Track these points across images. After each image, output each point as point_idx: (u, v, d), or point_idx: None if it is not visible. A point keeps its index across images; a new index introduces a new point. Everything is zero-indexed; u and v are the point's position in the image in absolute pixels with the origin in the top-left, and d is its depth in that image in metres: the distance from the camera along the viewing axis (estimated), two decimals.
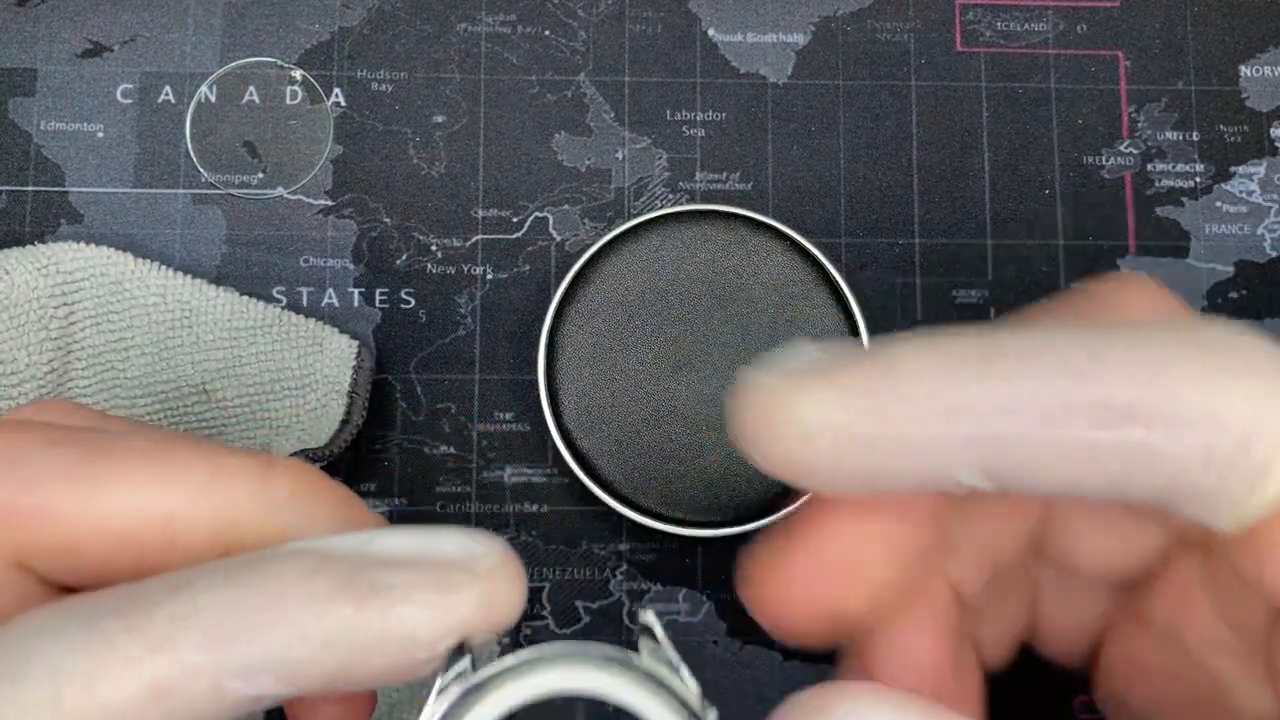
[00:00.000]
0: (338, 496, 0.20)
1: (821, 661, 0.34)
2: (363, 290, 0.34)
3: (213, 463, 0.19)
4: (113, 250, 0.32)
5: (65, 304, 0.30)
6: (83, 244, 0.32)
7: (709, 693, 0.18)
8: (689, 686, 0.17)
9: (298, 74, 0.36)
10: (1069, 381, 0.16)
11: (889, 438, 0.16)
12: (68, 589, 0.19)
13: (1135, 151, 0.36)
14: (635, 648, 0.17)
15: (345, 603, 0.16)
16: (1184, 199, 0.36)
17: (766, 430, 0.17)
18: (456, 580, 0.17)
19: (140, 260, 0.32)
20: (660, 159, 0.35)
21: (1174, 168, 0.36)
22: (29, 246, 0.31)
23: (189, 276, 0.33)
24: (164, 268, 0.33)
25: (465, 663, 0.17)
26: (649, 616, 0.17)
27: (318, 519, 0.19)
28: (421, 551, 0.17)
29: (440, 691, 0.16)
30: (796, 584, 0.19)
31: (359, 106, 0.35)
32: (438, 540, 0.17)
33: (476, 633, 0.17)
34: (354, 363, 0.32)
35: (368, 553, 0.17)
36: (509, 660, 0.17)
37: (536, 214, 0.35)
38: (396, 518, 0.34)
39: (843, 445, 0.16)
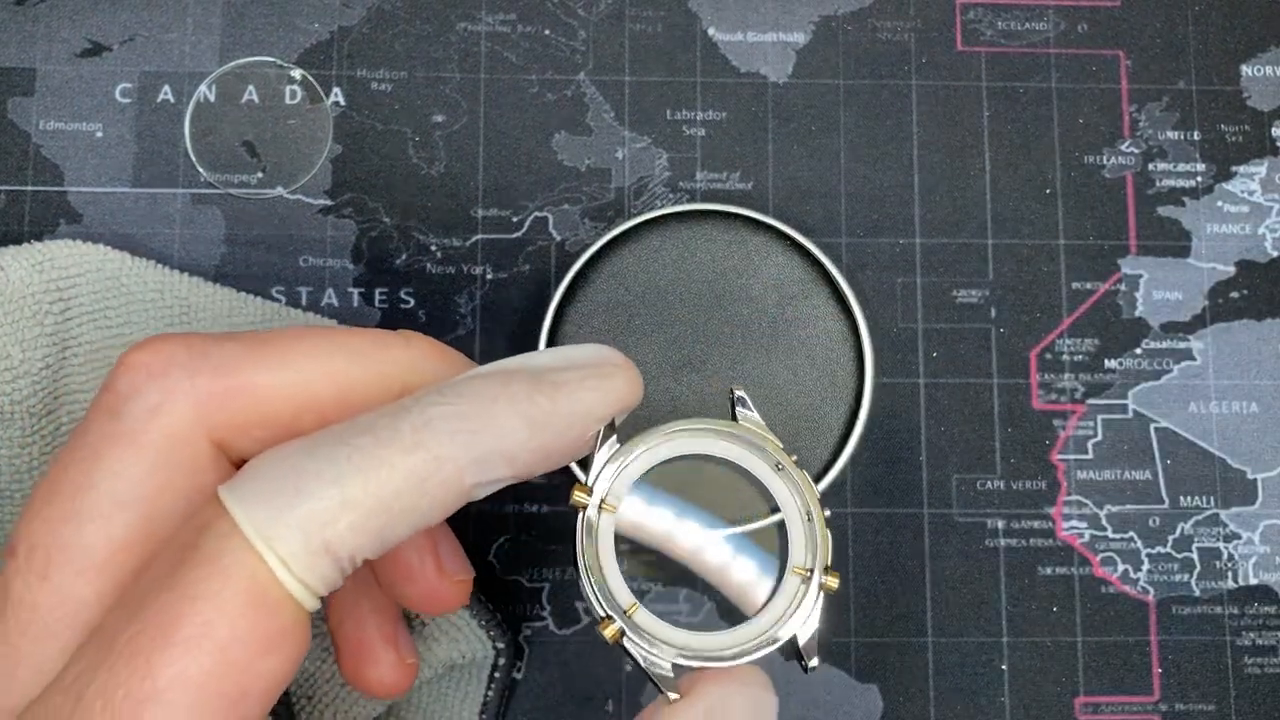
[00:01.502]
0: (451, 351, 0.24)
1: (822, 661, 0.33)
2: (362, 290, 0.34)
3: (366, 333, 0.23)
4: (109, 248, 0.32)
5: (61, 299, 0.30)
6: (79, 241, 0.32)
7: None
8: (775, 442, 0.23)
9: (297, 73, 0.35)
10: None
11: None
12: None
13: (1136, 151, 0.36)
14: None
15: (541, 396, 0.21)
16: (1185, 198, 0.36)
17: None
18: (608, 370, 0.22)
19: (137, 258, 0.32)
20: (660, 159, 0.35)
21: (1175, 167, 0.36)
22: (25, 244, 0.31)
23: (186, 274, 0.33)
24: (161, 265, 0.32)
25: (614, 439, 0.22)
26: (740, 392, 0.23)
27: (446, 367, 0.23)
28: (569, 360, 0.22)
29: (599, 462, 0.22)
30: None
31: (358, 106, 0.35)
32: (576, 352, 0.23)
33: (625, 408, 0.22)
34: None
35: (533, 366, 0.22)
36: (646, 436, 0.23)
37: (536, 214, 0.35)
38: None
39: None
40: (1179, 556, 0.34)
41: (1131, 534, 0.34)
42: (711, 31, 0.36)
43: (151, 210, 0.35)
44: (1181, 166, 0.36)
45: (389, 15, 0.36)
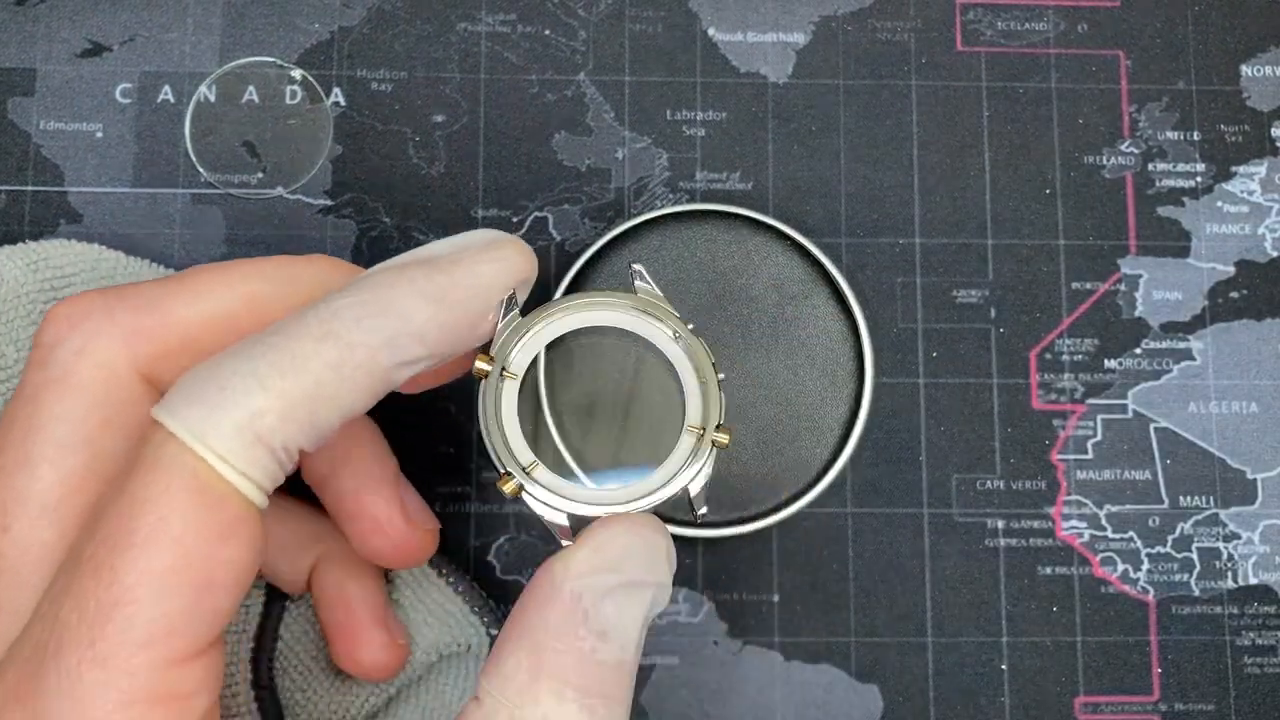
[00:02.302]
0: (354, 265, 0.26)
1: (822, 661, 0.33)
2: None
3: (274, 258, 0.25)
4: (104, 247, 0.32)
5: (55, 299, 0.30)
6: (74, 241, 0.32)
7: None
8: (672, 312, 0.24)
9: (297, 73, 0.35)
10: None
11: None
12: None
13: (1136, 151, 0.36)
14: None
15: (438, 274, 0.22)
16: (1185, 199, 0.36)
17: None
18: (499, 243, 0.24)
19: (133, 257, 0.32)
20: (660, 159, 0.35)
21: (1175, 167, 0.36)
22: (20, 244, 0.31)
23: None
24: (157, 264, 0.32)
25: (516, 311, 0.24)
26: (638, 267, 0.25)
27: (346, 276, 0.25)
28: (462, 244, 0.24)
29: (501, 332, 0.23)
30: None
31: (358, 106, 0.35)
32: (467, 236, 0.24)
33: (521, 279, 0.24)
34: None
35: (428, 254, 0.23)
36: (546, 307, 0.24)
37: (536, 214, 0.35)
38: None
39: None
40: (1179, 556, 0.34)
41: (1131, 534, 0.34)
42: (711, 31, 0.36)
43: (151, 210, 0.35)
44: (1181, 166, 0.36)
45: (389, 15, 0.36)
